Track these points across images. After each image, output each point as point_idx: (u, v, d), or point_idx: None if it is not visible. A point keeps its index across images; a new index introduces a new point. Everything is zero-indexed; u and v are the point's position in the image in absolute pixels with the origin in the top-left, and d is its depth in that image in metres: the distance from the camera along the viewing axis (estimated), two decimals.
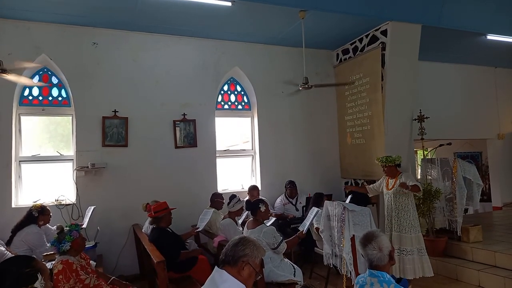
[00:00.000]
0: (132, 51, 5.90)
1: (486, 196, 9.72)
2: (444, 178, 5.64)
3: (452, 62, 8.38)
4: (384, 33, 5.99)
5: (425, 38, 6.11)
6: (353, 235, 3.97)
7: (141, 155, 5.83)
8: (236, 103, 6.82)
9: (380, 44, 6.06)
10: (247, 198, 5.91)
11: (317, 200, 5.47)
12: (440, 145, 6.10)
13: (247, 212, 4.93)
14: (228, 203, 5.06)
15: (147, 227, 4.87)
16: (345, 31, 6.32)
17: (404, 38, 5.99)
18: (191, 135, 6.15)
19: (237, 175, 6.75)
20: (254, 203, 4.07)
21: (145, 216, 4.95)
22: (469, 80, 8.73)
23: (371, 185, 5.27)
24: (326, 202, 4.52)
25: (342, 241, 4.07)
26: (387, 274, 2.30)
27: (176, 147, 6.06)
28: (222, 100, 6.71)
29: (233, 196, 5.10)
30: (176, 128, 6.07)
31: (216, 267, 2.05)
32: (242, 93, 6.87)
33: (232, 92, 6.82)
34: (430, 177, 5.75)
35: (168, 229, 4.43)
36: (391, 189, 4.86)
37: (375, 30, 6.16)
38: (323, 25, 5.99)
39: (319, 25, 5.91)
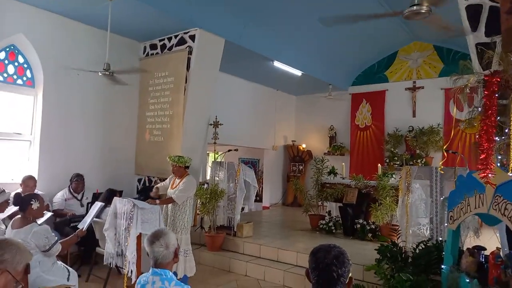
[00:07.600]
0: None
1: (259, 197, 11.43)
2: (229, 180, 6.28)
3: (246, 78, 9.54)
4: (192, 38, 6.23)
5: (227, 52, 6.68)
6: (140, 233, 3.90)
7: None
8: (15, 77, 5.65)
9: (188, 48, 6.26)
10: (19, 190, 4.95)
11: (109, 197, 5.11)
12: (229, 150, 6.80)
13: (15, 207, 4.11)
14: None
15: None
16: (155, 26, 6.22)
17: (209, 47, 6.39)
18: None
19: (6, 163, 5.58)
20: (26, 198, 3.44)
21: None
22: (257, 96, 10.16)
23: (160, 184, 5.30)
24: (115, 199, 4.30)
25: (128, 240, 3.94)
26: (170, 272, 2.35)
27: None
28: None
29: None
30: None
31: None
32: (26, 65, 5.75)
33: (12, 63, 5.62)
34: (217, 178, 6.30)
35: None
36: (174, 188, 5.00)
37: (184, 33, 6.33)
38: (132, 13, 5.72)
39: (129, 12, 5.62)
